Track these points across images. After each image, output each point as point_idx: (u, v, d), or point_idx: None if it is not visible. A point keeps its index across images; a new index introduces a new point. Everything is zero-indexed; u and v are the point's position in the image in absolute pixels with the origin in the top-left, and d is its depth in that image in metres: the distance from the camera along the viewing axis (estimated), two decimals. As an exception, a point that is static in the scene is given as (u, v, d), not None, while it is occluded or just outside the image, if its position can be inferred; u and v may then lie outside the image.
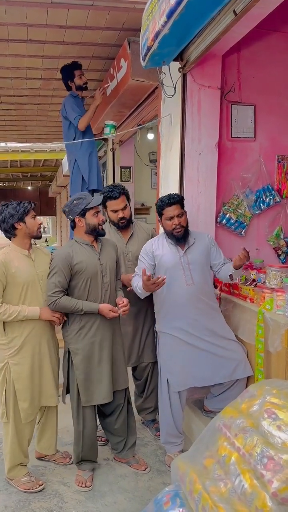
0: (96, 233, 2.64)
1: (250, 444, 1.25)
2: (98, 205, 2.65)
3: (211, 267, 2.92)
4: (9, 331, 2.57)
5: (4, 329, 2.57)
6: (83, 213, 2.60)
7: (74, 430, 2.73)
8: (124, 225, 3.04)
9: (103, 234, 2.70)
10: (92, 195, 4.14)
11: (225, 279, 2.92)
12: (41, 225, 2.66)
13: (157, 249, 2.84)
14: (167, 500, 1.40)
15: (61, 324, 2.71)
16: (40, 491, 2.64)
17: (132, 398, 3.67)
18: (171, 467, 1.59)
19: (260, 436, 1.27)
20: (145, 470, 2.82)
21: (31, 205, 2.59)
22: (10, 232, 2.57)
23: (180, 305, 2.77)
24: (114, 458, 2.93)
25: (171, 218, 2.75)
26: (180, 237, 2.77)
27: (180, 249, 2.80)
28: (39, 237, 2.66)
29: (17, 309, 2.50)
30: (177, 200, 2.77)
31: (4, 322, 2.55)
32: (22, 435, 2.66)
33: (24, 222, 2.54)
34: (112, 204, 2.98)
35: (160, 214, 2.82)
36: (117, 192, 2.96)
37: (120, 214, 2.99)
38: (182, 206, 2.80)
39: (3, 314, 2.47)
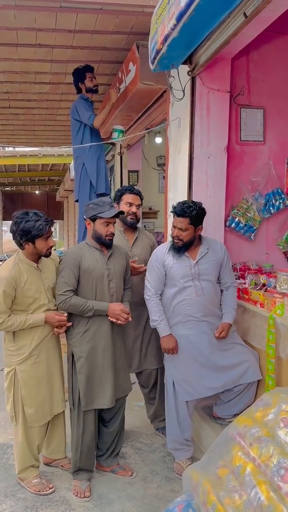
0: (101, 242, 2.62)
1: (266, 454, 1.21)
2: (111, 218, 2.59)
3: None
4: (19, 339, 2.57)
5: (13, 336, 2.58)
6: (93, 219, 2.60)
7: (73, 436, 2.67)
8: (132, 222, 3.07)
9: (108, 245, 2.65)
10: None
11: None
12: (52, 246, 2.58)
13: (167, 258, 2.77)
14: (179, 511, 1.36)
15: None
16: (50, 493, 2.63)
17: (138, 403, 3.65)
18: (183, 477, 1.55)
19: (277, 446, 1.23)
20: (131, 475, 2.79)
21: (46, 227, 2.46)
22: (19, 246, 2.53)
23: (188, 315, 2.74)
24: (96, 467, 2.83)
25: (174, 227, 2.73)
26: (177, 248, 2.72)
27: (191, 259, 2.74)
28: (47, 256, 2.59)
29: (22, 320, 2.51)
30: (185, 215, 2.65)
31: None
32: (32, 440, 2.66)
33: (34, 243, 2.47)
34: (128, 197, 3.06)
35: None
36: (136, 190, 3.12)
37: (133, 209, 3.05)
38: (194, 222, 2.66)
39: (11, 326, 2.50)
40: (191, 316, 2.73)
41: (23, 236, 2.43)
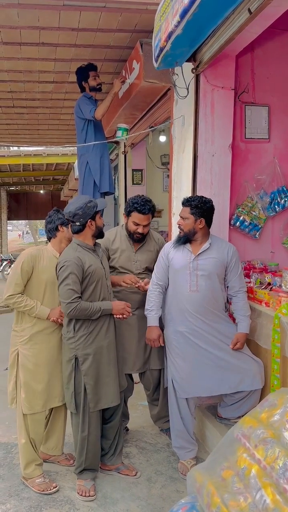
0: (102, 235, 2.71)
1: (271, 456, 1.19)
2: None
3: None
4: (23, 321, 2.68)
5: (20, 317, 2.69)
6: (94, 216, 2.62)
7: (77, 438, 2.65)
8: (137, 239, 3.00)
9: (104, 235, 2.78)
10: (104, 198, 4.13)
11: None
12: None
13: (171, 250, 2.82)
14: (183, 513, 1.35)
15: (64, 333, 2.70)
16: (54, 493, 2.63)
17: (143, 403, 3.64)
18: (187, 478, 1.54)
19: (282, 448, 1.21)
20: (136, 475, 2.78)
21: None
22: (52, 232, 2.76)
23: (183, 310, 2.73)
24: (100, 467, 2.81)
25: (179, 217, 2.78)
26: (178, 238, 2.78)
27: (192, 253, 2.73)
28: None
29: (31, 304, 2.61)
30: (187, 204, 2.72)
31: (19, 311, 2.67)
32: (30, 428, 2.67)
33: (67, 227, 2.73)
34: (136, 217, 2.92)
35: None
36: (148, 208, 2.91)
37: (140, 230, 2.95)
38: (194, 212, 2.68)
39: (19, 303, 2.60)
40: (185, 312, 2.72)
41: (58, 220, 2.74)
